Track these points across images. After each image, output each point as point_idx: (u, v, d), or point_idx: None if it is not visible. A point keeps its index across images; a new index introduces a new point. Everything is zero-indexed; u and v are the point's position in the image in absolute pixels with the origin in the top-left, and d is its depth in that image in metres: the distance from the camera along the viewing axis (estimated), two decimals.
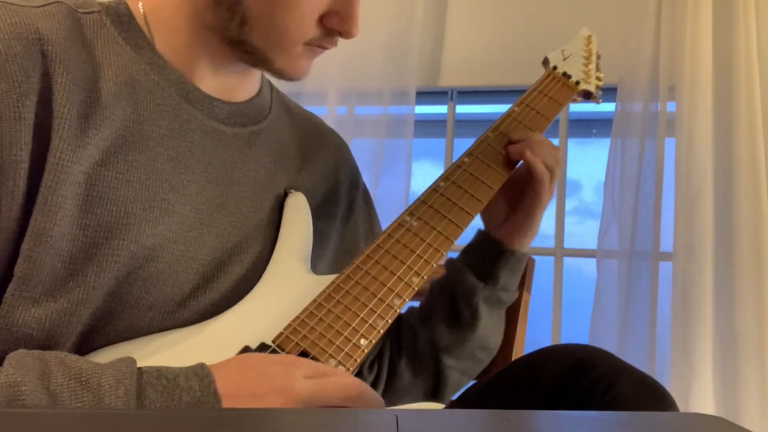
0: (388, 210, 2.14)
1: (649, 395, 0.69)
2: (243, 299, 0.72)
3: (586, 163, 2.24)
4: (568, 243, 2.14)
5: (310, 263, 0.79)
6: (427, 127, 2.35)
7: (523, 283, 1.17)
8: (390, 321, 0.72)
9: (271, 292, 0.73)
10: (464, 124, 2.35)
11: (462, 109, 2.31)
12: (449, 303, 0.89)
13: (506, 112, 0.91)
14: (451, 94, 2.27)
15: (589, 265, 2.01)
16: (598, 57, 1.01)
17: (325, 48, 0.75)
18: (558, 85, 0.95)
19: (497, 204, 0.90)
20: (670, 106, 1.95)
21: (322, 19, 0.72)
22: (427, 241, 0.77)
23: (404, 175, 2.11)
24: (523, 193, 0.89)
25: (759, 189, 1.80)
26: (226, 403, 0.56)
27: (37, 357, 0.55)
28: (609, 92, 2.01)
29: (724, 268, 1.82)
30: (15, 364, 0.53)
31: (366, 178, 0.97)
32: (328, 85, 2.16)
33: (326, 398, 0.59)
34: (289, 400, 0.58)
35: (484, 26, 2.23)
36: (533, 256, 1.21)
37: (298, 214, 0.80)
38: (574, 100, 0.98)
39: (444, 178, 0.83)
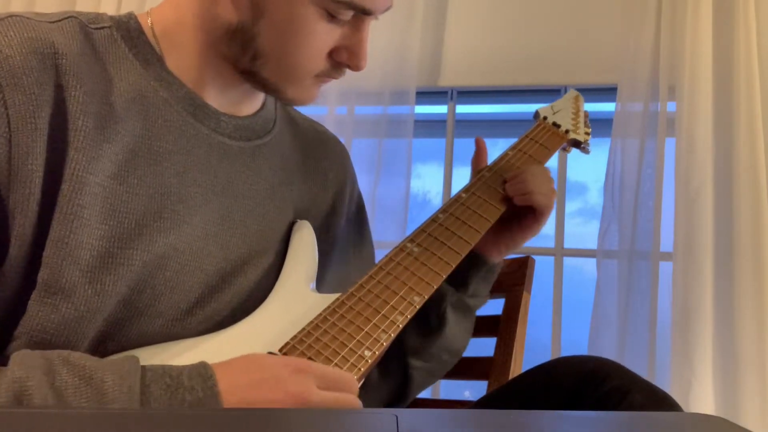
0: (388, 210, 2.15)
1: (661, 406, 0.71)
2: (252, 313, 0.74)
3: (591, 166, 2.24)
4: (572, 244, 2.13)
5: (315, 284, 0.82)
6: (427, 127, 2.35)
7: (523, 283, 1.17)
8: (393, 335, 0.73)
9: (278, 308, 0.75)
10: (464, 124, 2.34)
11: (462, 109, 2.31)
12: None
13: (501, 155, 0.97)
14: (451, 94, 2.27)
15: (589, 265, 2.01)
16: (586, 115, 1.08)
17: (334, 78, 0.78)
18: (548, 134, 1.02)
19: None
20: (670, 106, 1.95)
21: (331, 54, 0.74)
22: (428, 265, 0.80)
23: (404, 175, 2.11)
24: (519, 216, 0.91)
25: (759, 189, 1.80)
26: (232, 404, 0.56)
27: (40, 355, 0.57)
28: (609, 92, 2.02)
29: (724, 268, 1.82)
30: (20, 362, 0.55)
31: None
32: (328, 85, 2.14)
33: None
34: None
35: (484, 26, 2.23)
36: (533, 256, 1.21)
37: (303, 239, 0.83)
38: (564, 149, 1.05)
39: (442, 210, 0.87)
